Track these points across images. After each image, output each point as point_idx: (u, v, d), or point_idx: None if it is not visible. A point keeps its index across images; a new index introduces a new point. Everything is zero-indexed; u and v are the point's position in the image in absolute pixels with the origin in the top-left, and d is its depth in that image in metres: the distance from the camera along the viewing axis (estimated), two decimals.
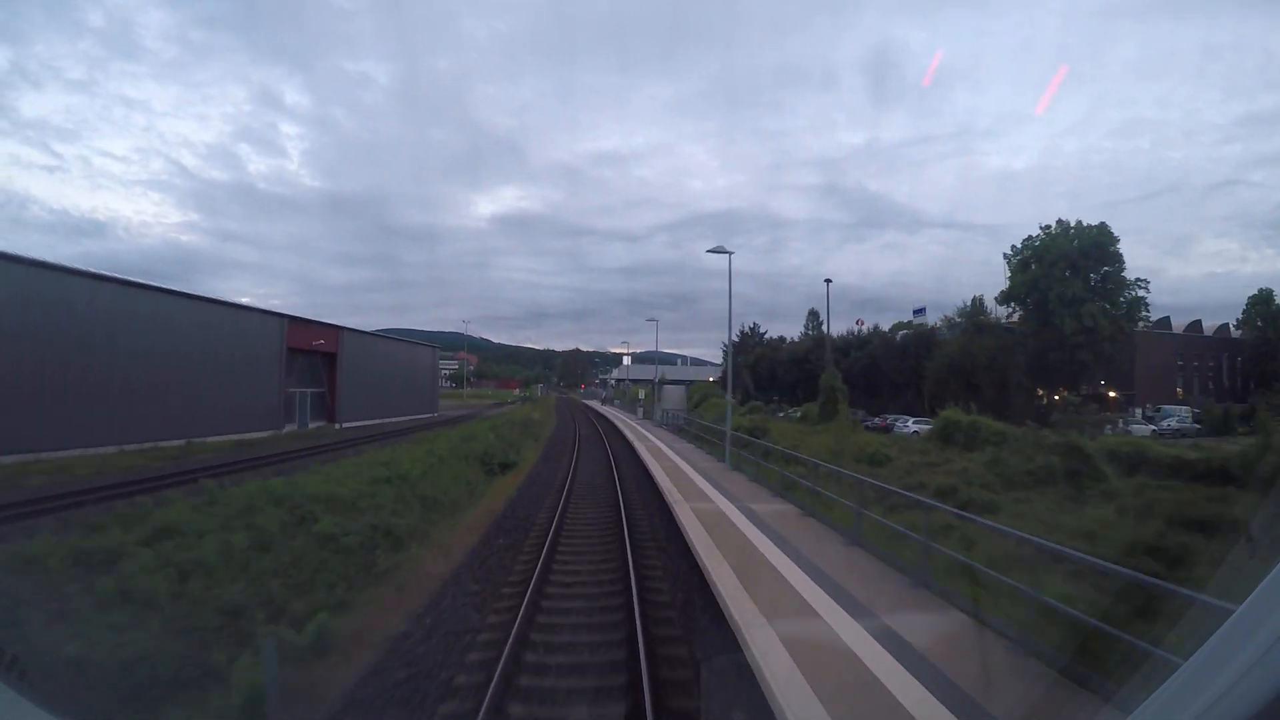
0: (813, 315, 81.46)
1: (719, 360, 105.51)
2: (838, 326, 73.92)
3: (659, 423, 35.10)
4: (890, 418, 40.38)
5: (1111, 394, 56.82)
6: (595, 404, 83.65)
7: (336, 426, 36.70)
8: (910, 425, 36.91)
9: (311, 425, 35.61)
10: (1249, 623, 1.11)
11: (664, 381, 51.40)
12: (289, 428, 32.84)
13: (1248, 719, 1.04)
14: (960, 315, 56.02)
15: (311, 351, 36.07)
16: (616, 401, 75.91)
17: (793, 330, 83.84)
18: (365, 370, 40.72)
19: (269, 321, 32.31)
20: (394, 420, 42.58)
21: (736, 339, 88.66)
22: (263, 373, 31.13)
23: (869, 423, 40.75)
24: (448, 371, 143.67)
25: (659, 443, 25.57)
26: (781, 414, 48.60)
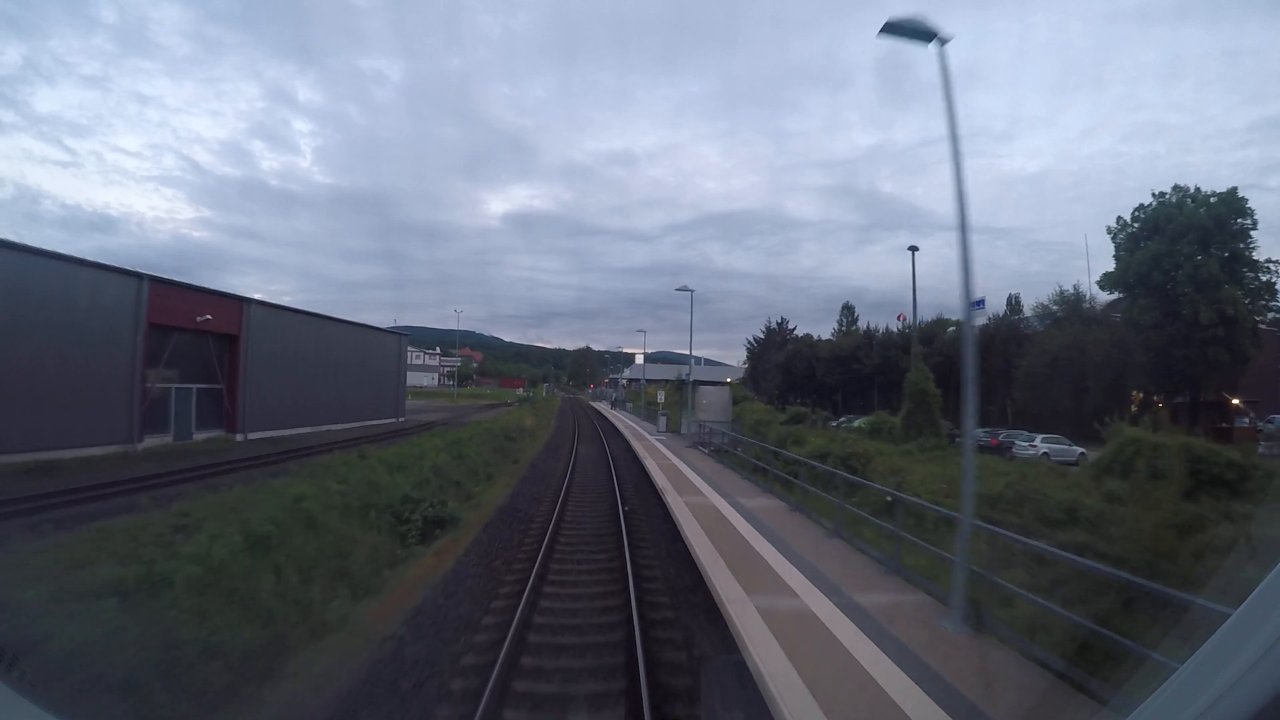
0: (847, 310, 71.95)
1: (737, 363, 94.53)
2: (868, 326, 63.63)
3: (692, 442, 24.17)
4: (1003, 433, 29.77)
5: (1235, 400, 46.38)
6: (603, 406, 72.84)
7: (238, 438, 26.37)
8: (1039, 445, 26.31)
9: (200, 436, 25.23)
10: (1247, 624, 1.08)
11: (700, 381, 40.65)
12: (152, 440, 22.54)
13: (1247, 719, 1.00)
14: (1055, 302, 45.96)
15: (199, 332, 25.55)
16: (629, 405, 64.21)
17: (811, 332, 73.80)
18: (287, 360, 30.08)
19: (114, 283, 21.59)
20: (332, 429, 32.23)
21: (761, 334, 77.93)
22: (102, 359, 20.81)
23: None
24: (448, 369, 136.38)
25: (713, 495, 13.44)
26: (835, 423, 38.26)
